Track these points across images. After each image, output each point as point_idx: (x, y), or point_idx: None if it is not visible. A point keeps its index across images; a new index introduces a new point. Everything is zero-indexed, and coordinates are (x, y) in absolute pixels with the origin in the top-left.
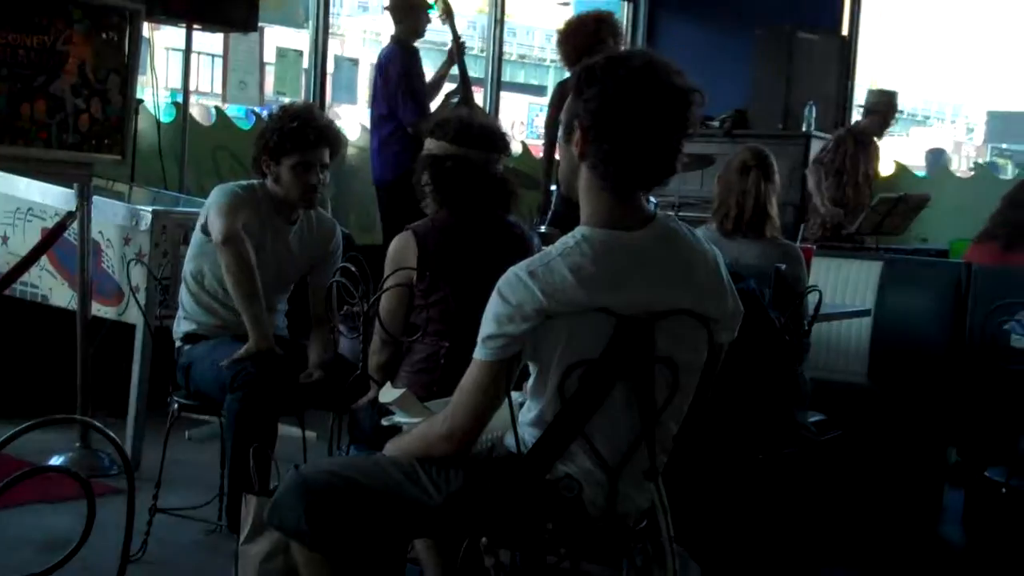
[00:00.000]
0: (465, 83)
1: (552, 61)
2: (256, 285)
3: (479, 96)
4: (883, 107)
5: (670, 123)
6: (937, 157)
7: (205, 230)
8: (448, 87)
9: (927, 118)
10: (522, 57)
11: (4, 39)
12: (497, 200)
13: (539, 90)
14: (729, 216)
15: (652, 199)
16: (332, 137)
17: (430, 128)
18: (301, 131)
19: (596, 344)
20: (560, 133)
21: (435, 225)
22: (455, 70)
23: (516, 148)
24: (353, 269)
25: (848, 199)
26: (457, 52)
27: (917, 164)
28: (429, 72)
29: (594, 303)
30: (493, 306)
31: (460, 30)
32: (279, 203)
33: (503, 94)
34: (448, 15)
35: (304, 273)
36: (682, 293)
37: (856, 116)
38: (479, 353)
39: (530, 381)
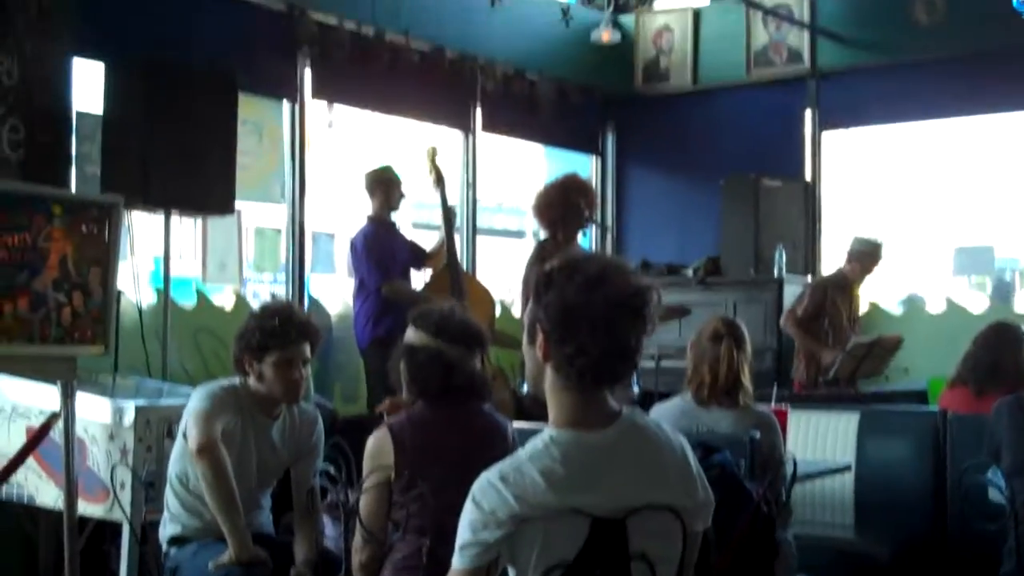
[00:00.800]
0: (452, 252)
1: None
2: (233, 494)
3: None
4: (865, 257)
5: (629, 323)
6: (1005, 288)
7: (186, 435)
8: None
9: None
10: (499, 203)
11: None
12: (471, 395)
13: (517, 234)
14: (704, 384)
15: None
16: (312, 332)
17: (414, 316)
18: (282, 328)
19: (572, 545)
20: (524, 335)
21: (411, 420)
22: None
23: (496, 301)
24: (332, 471)
25: (832, 343)
26: (445, 220)
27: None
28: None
29: (566, 505)
30: (467, 513)
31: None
32: (262, 400)
33: (481, 238)
34: (439, 183)
35: (287, 467)
36: (653, 488)
37: (825, 258)
38: (457, 561)
39: None
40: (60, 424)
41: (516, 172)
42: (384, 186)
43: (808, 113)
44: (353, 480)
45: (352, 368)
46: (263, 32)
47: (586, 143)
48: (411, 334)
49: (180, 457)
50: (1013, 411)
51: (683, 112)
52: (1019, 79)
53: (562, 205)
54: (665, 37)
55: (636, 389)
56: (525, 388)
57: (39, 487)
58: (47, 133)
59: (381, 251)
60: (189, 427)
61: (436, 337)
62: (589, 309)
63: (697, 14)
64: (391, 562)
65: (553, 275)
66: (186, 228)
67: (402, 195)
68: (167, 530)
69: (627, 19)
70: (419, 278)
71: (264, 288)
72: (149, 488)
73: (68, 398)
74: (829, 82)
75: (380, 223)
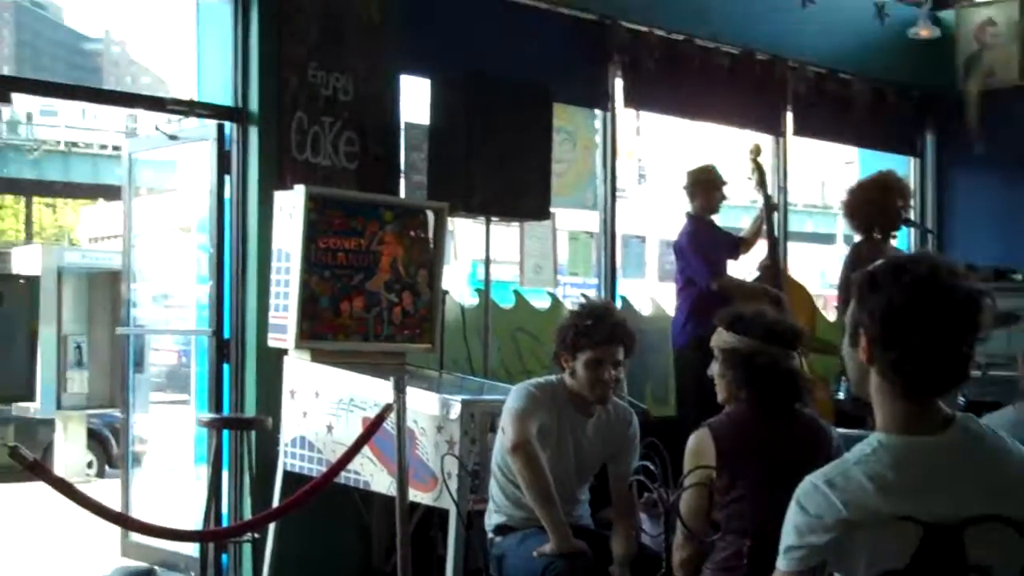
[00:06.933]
0: (772, 248)
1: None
2: (548, 489)
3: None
4: None
5: (960, 329)
6: None
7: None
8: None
9: None
10: (808, 206)
11: (326, 244)
12: (792, 396)
13: (827, 238)
14: None
15: None
16: (626, 335)
17: (726, 320)
18: (595, 329)
19: (902, 554)
20: (845, 337)
21: (732, 421)
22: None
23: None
24: (652, 467)
25: None
26: (767, 213)
27: None
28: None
29: (897, 512)
30: (792, 516)
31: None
32: (577, 397)
33: (791, 244)
34: (762, 183)
35: (604, 462)
36: (994, 498)
37: None
38: (781, 563)
39: None
40: (393, 416)
41: (827, 174)
42: (705, 187)
43: None
44: (669, 480)
45: (662, 370)
46: (576, 43)
47: (903, 145)
48: (726, 337)
49: (501, 451)
50: None
51: (1009, 109)
52: None
53: (876, 204)
54: (988, 31)
55: (961, 400)
56: (841, 395)
57: (374, 474)
58: (379, 145)
59: (707, 247)
60: (506, 424)
61: (753, 338)
62: (917, 312)
63: None
64: (711, 562)
65: (878, 276)
66: (502, 233)
67: (723, 197)
68: (492, 519)
69: (946, 14)
70: (736, 269)
71: (577, 291)
72: (474, 478)
73: (400, 392)
74: None
75: (702, 221)
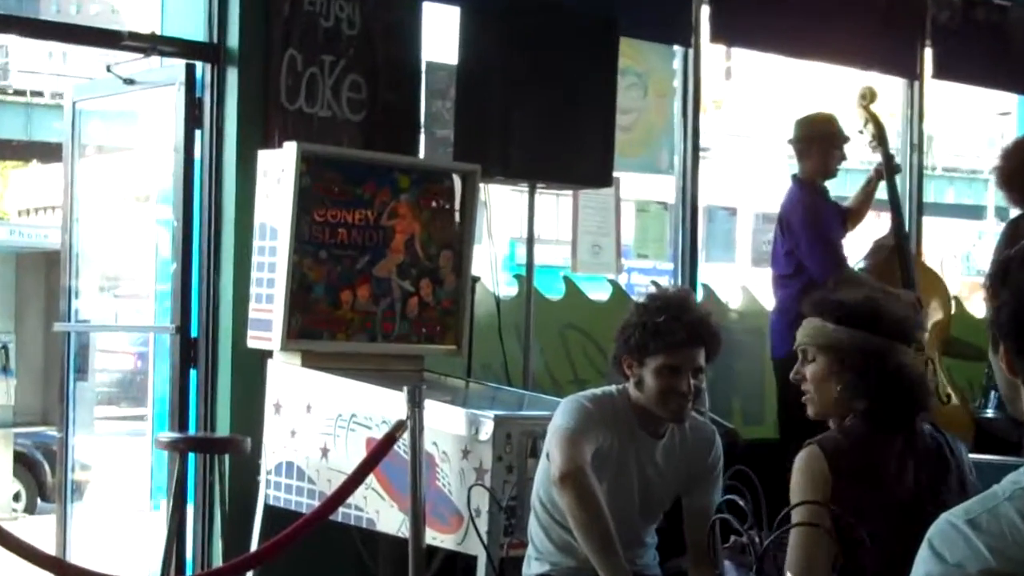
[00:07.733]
0: (900, 231)
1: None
2: (607, 530)
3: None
4: None
5: None
6: None
7: (550, 456)
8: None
9: None
10: (950, 171)
11: (323, 217)
12: (916, 405)
13: (975, 211)
14: None
15: None
16: (708, 335)
17: (836, 311)
18: (669, 328)
19: None
20: (989, 340)
21: (850, 438)
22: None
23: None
24: (740, 502)
25: None
26: (887, 176)
27: None
28: None
29: None
30: (924, 563)
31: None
32: (643, 413)
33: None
34: (881, 140)
35: (677, 495)
36: None
37: None
38: None
39: None
40: (406, 436)
41: (976, 128)
42: (824, 144)
43: None
44: (763, 520)
45: (756, 380)
46: None
47: None
48: (831, 331)
49: (545, 481)
50: None
51: None
52: None
53: None
54: None
55: None
56: (990, 412)
57: (380, 510)
58: (392, 91)
59: (824, 226)
60: (552, 448)
61: (875, 334)
62: None
63: None
64: None
65: (1012, 263)
66: (548, 205)
67: (843, 157)
68: (532, 568)
69: None
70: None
71: (645, 279)
72: (509, 516)
73: (416, 406)
74: None
75: (814, 188)
